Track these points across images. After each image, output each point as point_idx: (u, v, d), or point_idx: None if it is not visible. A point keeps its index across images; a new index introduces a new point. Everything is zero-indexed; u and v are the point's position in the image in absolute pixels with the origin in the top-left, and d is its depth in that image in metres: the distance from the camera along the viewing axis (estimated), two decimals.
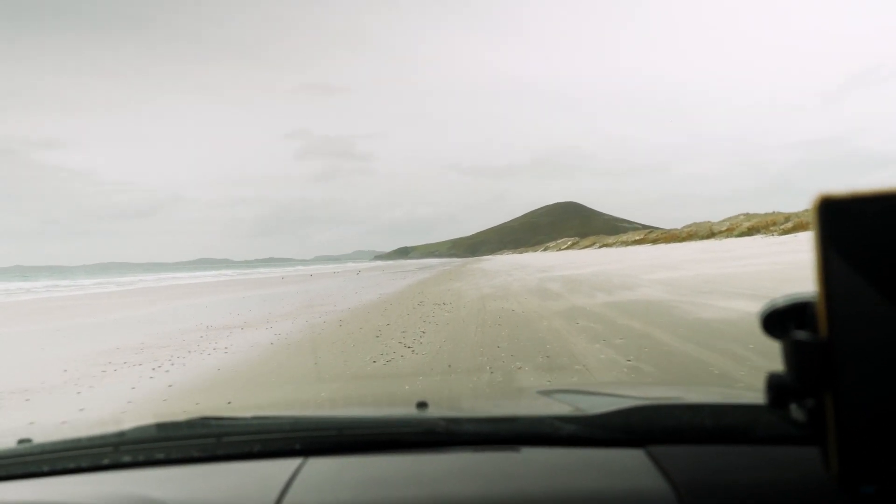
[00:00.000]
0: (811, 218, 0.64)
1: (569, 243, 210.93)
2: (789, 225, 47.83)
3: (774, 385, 0.71)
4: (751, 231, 54.55)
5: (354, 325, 11.76)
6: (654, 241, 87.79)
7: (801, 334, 0.65)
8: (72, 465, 1.09)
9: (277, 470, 1.01)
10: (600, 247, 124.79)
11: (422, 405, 1.28)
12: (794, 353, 0.66)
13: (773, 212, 65.13)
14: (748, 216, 70.47)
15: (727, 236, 60.18)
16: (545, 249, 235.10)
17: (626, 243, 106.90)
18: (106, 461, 1.10)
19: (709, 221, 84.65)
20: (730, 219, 75.23)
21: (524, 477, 0.94)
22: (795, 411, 0.84)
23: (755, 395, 1.09)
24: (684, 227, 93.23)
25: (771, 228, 51.07)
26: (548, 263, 41.99)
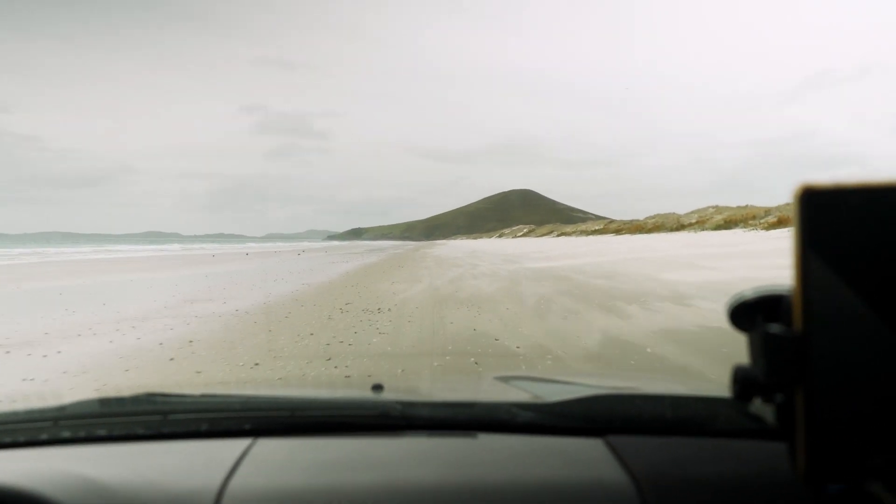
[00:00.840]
0: (792, 208, 0.63)
1: (524, 230, 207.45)
2: (772, 219, 43.98)
3: (741, 378, 0.70)
4: (728, 224, 50.65)
5: (200, 356, 6.43)
6: (618, 232, 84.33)
7: (775, 327, 0.64)
8: (7, 440, 1.04)
9: (225, 450, 0.98)
10: (558, 235, 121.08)
11: (377, 388, 1.26)
12: (766, 347, 0.64)
13: (747, 205, 62.06)
14: (718, 209, 67.33)
15: (698, 229, 56.58)
16: (500, 236, 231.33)
17: (586, 233, 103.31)
18: (44, 436, 1.05)
19: (674, 213, 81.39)
20: (697, 211, 72.06)
21: (481, 464, 0.93)
22: (760, 406, 0.85)
23: (716, 387, 1.15)
24: (647, 217, 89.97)
25: (750, 222, 47.18)
26: (510, 252, 37.15)
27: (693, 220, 63.72)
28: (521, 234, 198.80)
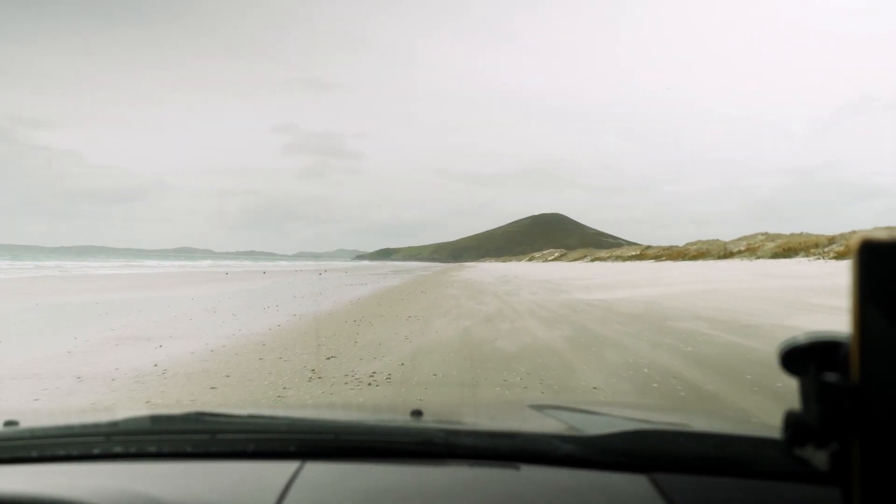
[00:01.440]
0: (851, 259, 0.63)
1: (555, 255, 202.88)
2: (839, 248, 39.30)
3: (793, 423, 0.70)
4: (787, 252, 45.89)
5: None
6: (657, 258, 79.79)
7: (831, 376, 0.64)
8: (61, 453, 1.06)
9: (275, 472, 0.99)
10: (592, 260, 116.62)
11: (416, 413, 1.27)
12: (822, 395, 0.65)
13: (801, 233, 57.27)
14: (769, 236, 62.67)
15: (750, 257, 52.04)
16: (530, 259, 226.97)
17: (622, 258, 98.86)
18: (97, 451, 1.07)
19: (718, 240, 76.58)
20: (745, 238, 67.35)
21: (525, 497, 0.92)
22: (813, 453, 0.82)
23: (761, 427, 1.17)
24: (688, 244, 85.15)
25: (812, 251, 42.44)
26: (548, 277, 33.30)
27: (741, 248, 59.24)
28: (552, 258, 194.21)
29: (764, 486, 0.90)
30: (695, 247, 77.64)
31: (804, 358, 0.69)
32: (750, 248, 57.30)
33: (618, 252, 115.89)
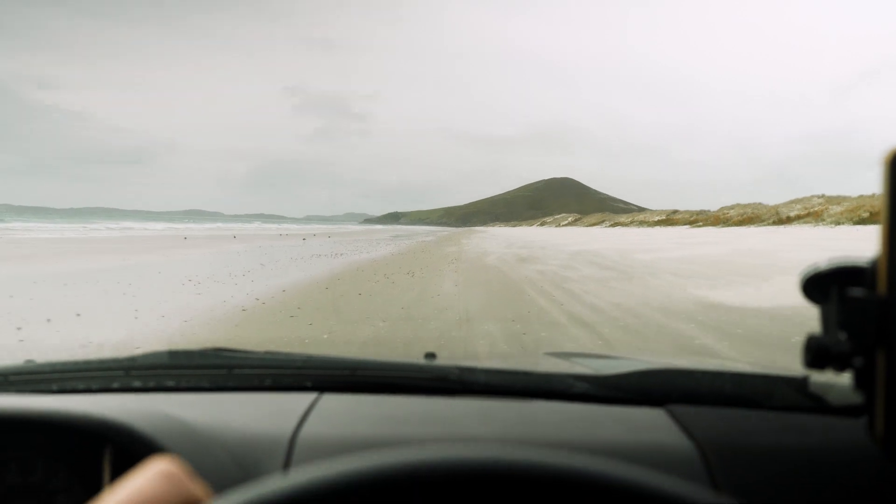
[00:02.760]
0: (881, 174, 0.61)
1: (569, 219, 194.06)
2: None
3: (815, 347, 0.69)
4: (855, 217, 37.23)
5: None
6: (692, 223, 71.56)
7: (857, 291, 0.64)
8: (81, 386, 1.08)
9: (293, 402, 1.01)
10: (612, 225, 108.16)
11: (430, 356, 1.28)
12: (847, 311, 0.64)
13: (873, 195, 48.78)
14: (829, 199, 54.20)
15: (813, 223, 43.83)
16: (541, 224, 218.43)
17: (647, 223, 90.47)
18: (116, 385, 1.09)
19: (761, 203, 68.01)
20: (798, 201, 58.77)
21: (542, 424, 0.93)
22: (821, 385, 0.88)
23: (775, 368, 1.22)
24: (724, 208, 76.79)
25: None
26: (586, 247, 25.37)
27: (799, 212, 50.99)
28: (565, 223, 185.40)
29: (780, 416, 0.90)
30: (734, 211, 69.31)
31: (825, 283, 0.68)
32: (812, 213, 48.85)
33: (640, 217, 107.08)
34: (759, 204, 68.21)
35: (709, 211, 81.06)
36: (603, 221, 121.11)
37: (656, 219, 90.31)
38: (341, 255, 20.72)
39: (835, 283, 0.67)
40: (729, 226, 58.10)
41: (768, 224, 51.22)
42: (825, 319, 0.69)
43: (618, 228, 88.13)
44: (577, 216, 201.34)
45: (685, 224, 70.52)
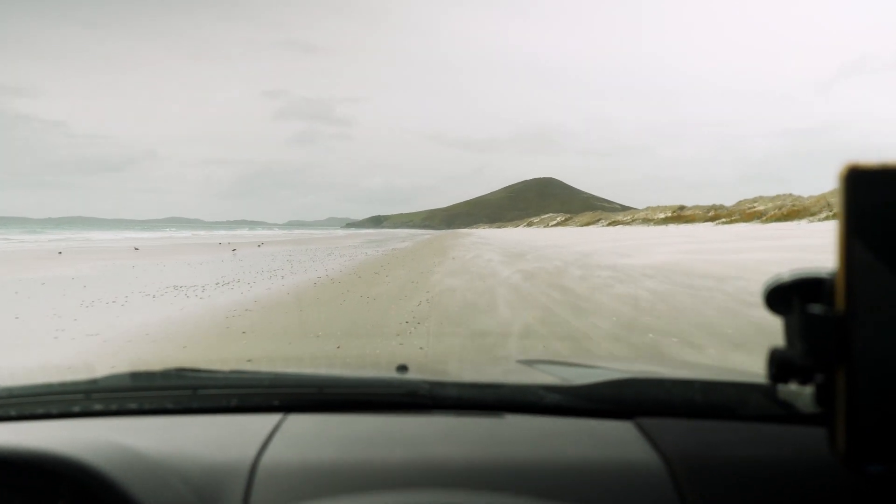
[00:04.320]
0: (838, 188, 0.61)
1: (558, 219, 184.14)
2: None
3: (778, 360, 0.69)
4: None
5: None
6: (714, 219, 62.03)
7: (816, 308, 0.64)
8: (40, 411, 1.06)
9: (257, 424, 0.99)
10: (610, 224, 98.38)
11: (402, 368, 1.26)
12: (807, 327, 0.64)
13: None
14: None
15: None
16: (528, 225, 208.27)
17: (651, 221, 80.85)
18: (76, 408, 1.06)
19: (790, 193, 58.50)
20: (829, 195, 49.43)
21: (510, 442, 0.93)
22: (792, 392, 0.88)
23: (746, 375, 1.21)
24: (742, 201, 67.32)
25: None
26: (615, 261, 15.31)
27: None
28: (553, 223, 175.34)
29: (750, 428, 0.90)
30: (760, 205, 59.95)
31: (788, 295, 0.68)
32: None
33: (642, 214, 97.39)
34: (788, 194, 58.71)
35: (723, 206, 71.36)
36: (598, 220, 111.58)
37: (661, 215, 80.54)
38: (232, 285, 10.85)
39: (797, 296, 0.67)
40: (765, 221, 48.41)
41: (822, 219, 41.44)
42: (788, 332, 0.69)
43: (617, 228, 78.32)
44: (567, 216, 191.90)
45: (703, 221, 60.68)
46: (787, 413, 0.90)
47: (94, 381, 1.11)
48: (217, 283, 12.58)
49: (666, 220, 72.28)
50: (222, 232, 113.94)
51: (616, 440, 0.90)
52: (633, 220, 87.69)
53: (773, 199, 59.51)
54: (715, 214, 65.68)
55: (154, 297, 10.45)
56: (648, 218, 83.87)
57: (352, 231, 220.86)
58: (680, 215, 75.22)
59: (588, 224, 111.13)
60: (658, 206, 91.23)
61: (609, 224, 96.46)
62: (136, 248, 31.34)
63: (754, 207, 58.45)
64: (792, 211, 48.51)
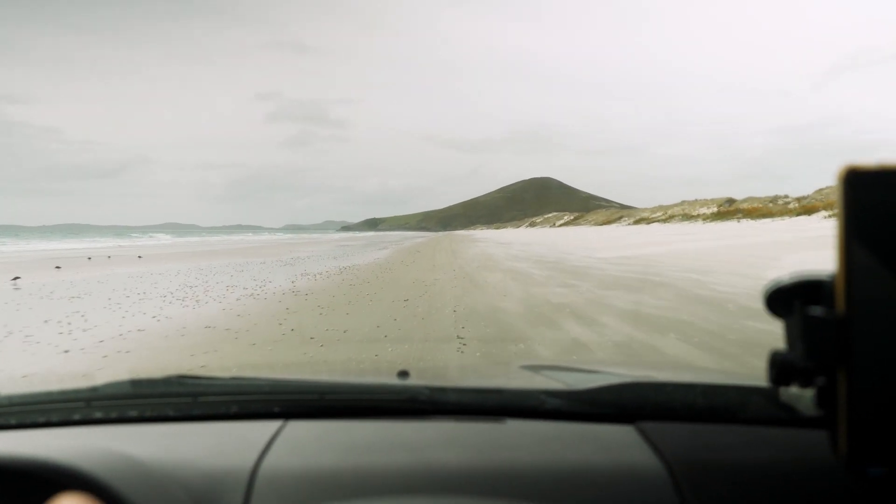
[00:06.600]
0: (837, 190, 0.61)
1: (564, 219, 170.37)
2: None
3: (779, 363, 0.70)
4: None
5: None
6: (734, 215, 49.30)
7: (817, 310, 0.64)
8: (41, 419, 1.06)
9: (257, 431, 0.99)
10: (635, 222, 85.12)
11: (403, 374, 1.26)
12: (807, 329, 0.64)
13: None
14: None
15: None
16: (531, 226, 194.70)
17: (689, 217, 67.71)
18: (77, 416, 1.07)
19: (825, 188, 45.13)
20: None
21: (511, 447, 0.93)
22: (793, 395, 0.89)
23: (747, 378, 1.20)
24: (763, 198, 54.37)
25: None
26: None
27: None
28: (559, 223, 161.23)
29: (751, 431, 0.90)
30: (803, 203, 46.82)
31: (789, 298, 0.68)
32: None
33: (678, 209, 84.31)
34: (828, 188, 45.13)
35: (786, 197, 57.79)
36: (620, 218, 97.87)
37: (707, 210, 66.92)
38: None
39: (797, 298, 0.67)
40: (780, 217, 35.25)
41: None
42: (789, 334, 0.69)
43: (639, 225, 64.88)
44: (577, 214, 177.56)
45: (780, 215, 47.17)
46: (789, 416, 0.90)
47: (94, 389, 1.11)
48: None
49: (719, 216, 58.72)
50: (219, 237, 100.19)
51: (618, 444, 0.91)
52: (668, 218, 74.01)
53: (822, 191, 46.40)
54: (735, 210, 52.65)
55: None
56: (687, 214, 70.26)
57: (345, 234, 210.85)
58: (723, 211, 61.72)
59: (607, 222, 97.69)
60: (697, 201, 77.79)
61: (636, 222, 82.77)
62: (89, 258, 27.35)
63: (771, 207, 45.22)
64: (806, 207, 35.41)
